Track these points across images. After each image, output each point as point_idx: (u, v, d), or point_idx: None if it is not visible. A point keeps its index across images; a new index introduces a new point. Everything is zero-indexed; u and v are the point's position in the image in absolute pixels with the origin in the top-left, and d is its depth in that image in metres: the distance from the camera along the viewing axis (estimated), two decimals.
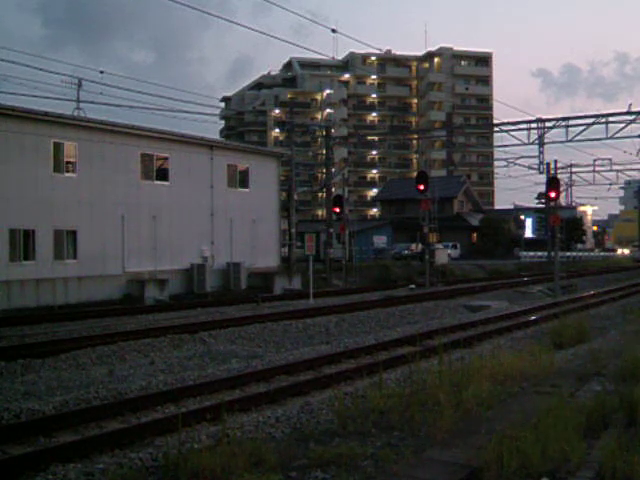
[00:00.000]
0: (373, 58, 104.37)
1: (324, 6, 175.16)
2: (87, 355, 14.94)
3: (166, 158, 31.44)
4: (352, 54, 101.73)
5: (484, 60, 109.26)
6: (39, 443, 8.49)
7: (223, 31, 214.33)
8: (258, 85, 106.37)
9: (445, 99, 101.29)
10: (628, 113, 35.22)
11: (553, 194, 30.06)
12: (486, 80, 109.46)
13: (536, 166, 38.61)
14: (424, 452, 6.86)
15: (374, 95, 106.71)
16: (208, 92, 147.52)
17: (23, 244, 25.52)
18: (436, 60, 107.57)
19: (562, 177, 60.28)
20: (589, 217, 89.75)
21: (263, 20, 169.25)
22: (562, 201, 66.53)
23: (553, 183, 30.32)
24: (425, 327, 19.05)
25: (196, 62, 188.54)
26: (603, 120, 35.70)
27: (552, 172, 42.22)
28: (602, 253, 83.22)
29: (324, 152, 42.12)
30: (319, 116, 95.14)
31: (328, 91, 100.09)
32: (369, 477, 6.32)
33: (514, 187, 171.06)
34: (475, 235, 72.28)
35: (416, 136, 75.57)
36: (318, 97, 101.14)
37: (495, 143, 71.30)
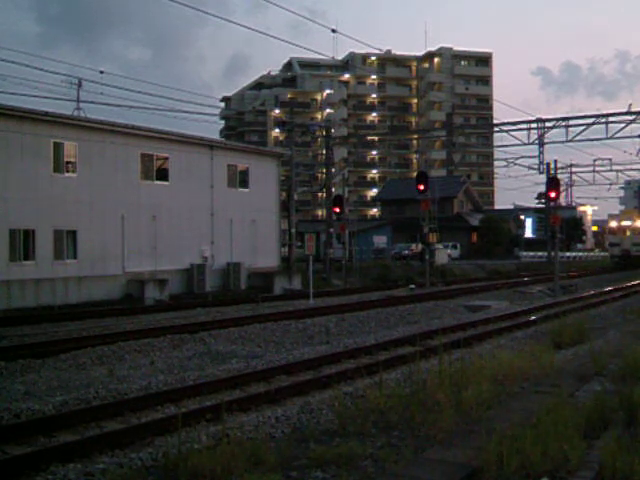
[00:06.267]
0: (373, 58, 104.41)
1: (322, 3, 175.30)
2: (87, 355, 14.94)
3: (166, 158, 31.44)
4: (352, 54, 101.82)
5: (484, 60, 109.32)
6: (39, 443, 8.49)
7: (220, 28, 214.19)
8: (258, 85, 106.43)
9: (445, 99, 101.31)
10: (628, 113, 35.27)
11: (553, 194, 30.04)
12: (486, 80, 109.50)
13: (536, 166, 38.71)
14: (424, 452, 6.86)
15: (374, 95, 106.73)
16: (205, 90, 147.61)
17: (23, 244, 25.52)
18: (436, 60, 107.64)
19: (562, 177, 60.43)
20: (589, 217, 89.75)
21: (261, 17, 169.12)
22: (562, 201, 66.66)
23: (553, 183, 30.30)
24: (425, 327, 19.06)
25: (193, 60, 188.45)
26: (603, 120, 35.76)
27: (552, 172, 42.19)
28: (602, 253, 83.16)
29: (324, 152, 42.14)
30: (319, 116, 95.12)
31: (328, 91, 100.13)
32: (369, 477, 6.32)
33: (514, 187, 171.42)
34: (475, 235, 72.28)
35: (416, 136, 75.50)
36: (318, 97, 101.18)
37: (495, 143, 71.49)
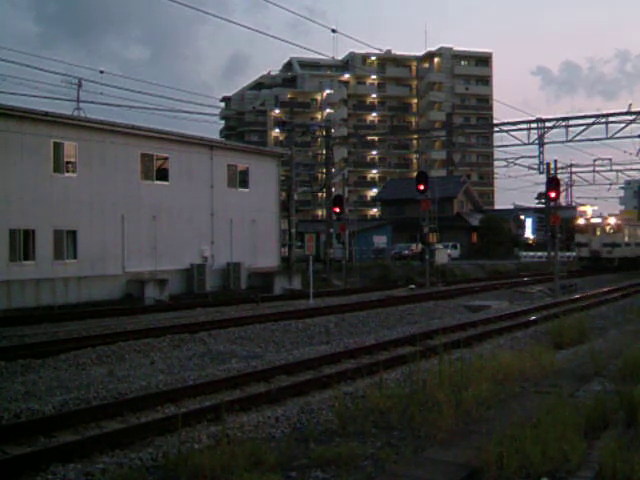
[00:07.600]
0: (373, 58, 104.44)
1: (322, 2, 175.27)
2: (87, 355, 14.94)
3: (166, 158, 31.43)
4: (352, 54, 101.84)
5: (484, 60, 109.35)
6: (39, 443, 8.49)
7: (220, 28, 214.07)
8: (258, 85, 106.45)
9: (445, 99, 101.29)
10: (628, 113, 35.28)
11: (553, 194, 30.04)
12: (486, 80, 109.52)
13: (536, 166, 38.68)
14: (424, 452, 6.86)
15: (374, 95, 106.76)
16: (205, 90, 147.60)
17: (23, 244, 25.51)
18: (436, 60, 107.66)
19: (562, 177, 60.27)
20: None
21: (260, 16, 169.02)
22: (562, 201, 66.55)
23: (553, 183, 30.29)
24: (425, 327, 19.06)
25: (193, 59, 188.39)
26: (603, 120, 35.76)
27: (552, 172, 42.17)
28: None
29: (324, 152, 42.14)
30: (319, 116, 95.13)
31: (328, 91, 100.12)
32: (369, 477, 6.32)
33: (514, 187, 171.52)
34: (475, 235, 72.26)
35: (416, 136, 75.44)
36: (318, 97, 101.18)
37: (495, 143, 71.63)
